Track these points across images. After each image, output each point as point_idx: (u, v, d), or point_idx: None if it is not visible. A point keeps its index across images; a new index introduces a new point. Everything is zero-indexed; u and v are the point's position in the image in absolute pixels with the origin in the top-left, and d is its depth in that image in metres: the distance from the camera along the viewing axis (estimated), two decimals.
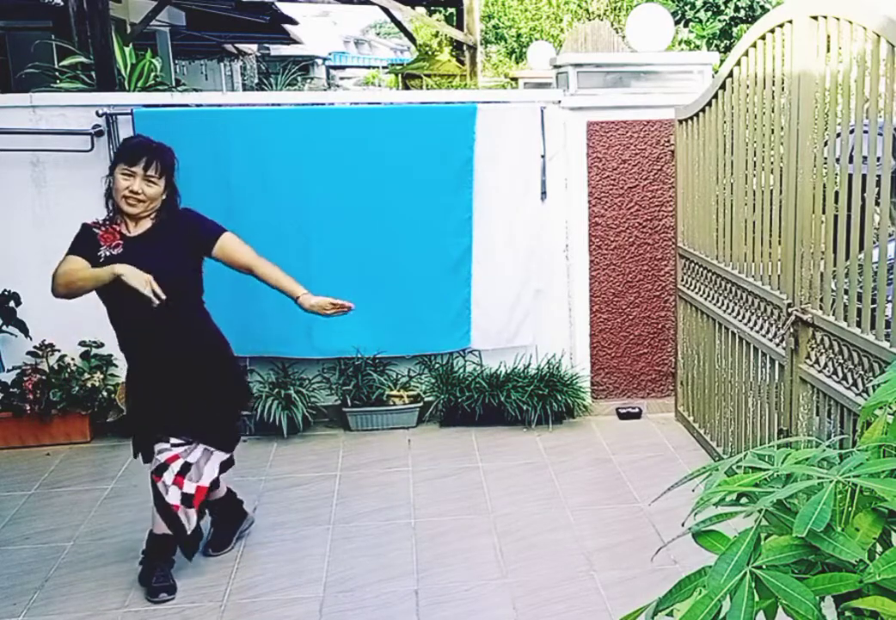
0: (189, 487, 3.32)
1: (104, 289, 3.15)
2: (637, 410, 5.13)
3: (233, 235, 3.33)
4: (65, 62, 5.35)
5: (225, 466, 3.51)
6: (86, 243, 3.22)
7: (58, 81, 5.28)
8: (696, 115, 4.50)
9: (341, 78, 27.86)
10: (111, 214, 3.30)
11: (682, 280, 4.92)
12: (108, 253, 3.18)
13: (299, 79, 11.55)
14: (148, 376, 3.33)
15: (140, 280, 3.01)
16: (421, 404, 5.01)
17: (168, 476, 3.29)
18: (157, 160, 3.20)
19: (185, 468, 3.31)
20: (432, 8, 13.77)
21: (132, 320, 3.22)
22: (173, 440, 3.30)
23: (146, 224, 3.27)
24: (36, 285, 4.79)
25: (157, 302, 3.03)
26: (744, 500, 1.46)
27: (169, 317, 3.16)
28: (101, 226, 3.26)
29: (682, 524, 1.57)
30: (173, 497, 3.30)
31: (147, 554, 3.41)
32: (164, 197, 3.26)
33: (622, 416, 5.12)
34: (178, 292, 3.17)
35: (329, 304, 3.29)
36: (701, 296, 4.58)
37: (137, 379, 3.38)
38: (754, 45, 3.78)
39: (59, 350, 4.81)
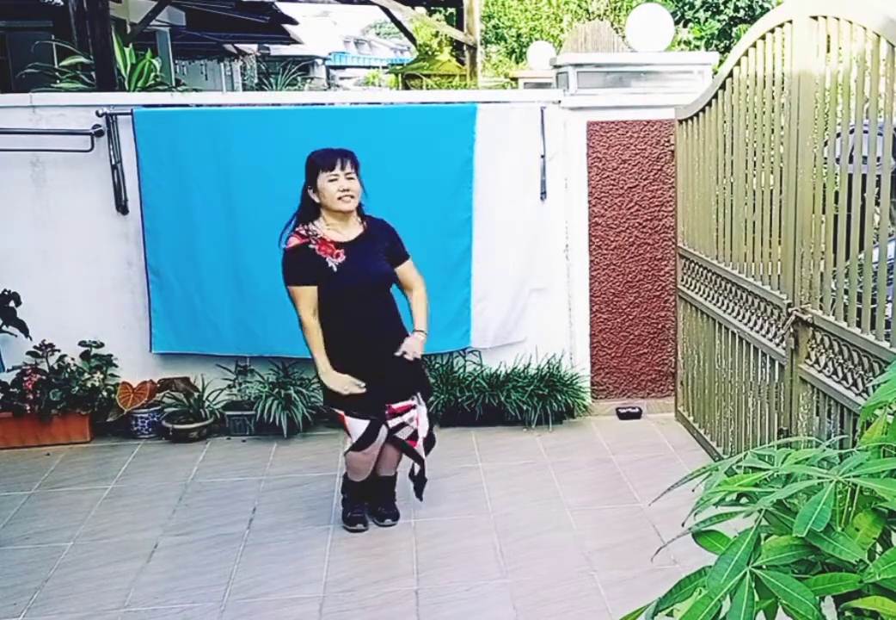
0: (423, 431, 3.83)
1: (331, 296, 3.58)
2: (637, 410, 5.13)
3: (411, 261, 3.78)
4: (65, 62, 5.35)
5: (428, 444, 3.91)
6: (307, 264, 3.55)
7: (58, 81, 5.28)
8: (696, 115, 4.50)
9: (341, 78, 27.86)
10: (304, 228, 3.60)
11: (682, 280, 4.92)
12: (336, 262, 3.56)
13: (299, 79, 11.53)
14: (367, 357, 3.63)
15: (344, 385, 3.58)
16: None
17: (407, 430, 3.76)
18: (348, 159, 3.55)
19: (414, 435, 3.80)
20: (432, 8, 13.76)
21: (357, 310, 3.58)
22: (414, 402, 3.75)
23: (356, 229, 3.65)
24: (36, 285, 4.81)
25: (359, 390, 3.59)
26: (744, 500, 1.46)
27: (381, 304, 3.65)
28: (311, 241, 3.57)
29: (682, 524, 1.57)
30: (421, 450, 3.84)
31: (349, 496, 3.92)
32: (361, 191, 3.63)
33: (622, 416, 5.12)
34: (388, 284, 3.69)
35: (409, 350, 3.68)
36: (701, 296, 4.58)
37: (359, 362, 3.64)
38: (754, 45, 3.78)
39: (59, 350, 4.81)
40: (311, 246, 3.56)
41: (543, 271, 5.03)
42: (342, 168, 3.52)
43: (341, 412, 3.70)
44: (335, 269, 3.55)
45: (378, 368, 3.65)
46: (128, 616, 3.23)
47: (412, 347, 3.67)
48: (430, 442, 3.90)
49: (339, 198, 3.52)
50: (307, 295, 3.56)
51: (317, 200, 3.57)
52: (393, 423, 3.72)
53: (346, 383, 3.58)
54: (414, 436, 3.79)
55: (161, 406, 4.90)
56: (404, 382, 3.74)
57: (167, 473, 4.44)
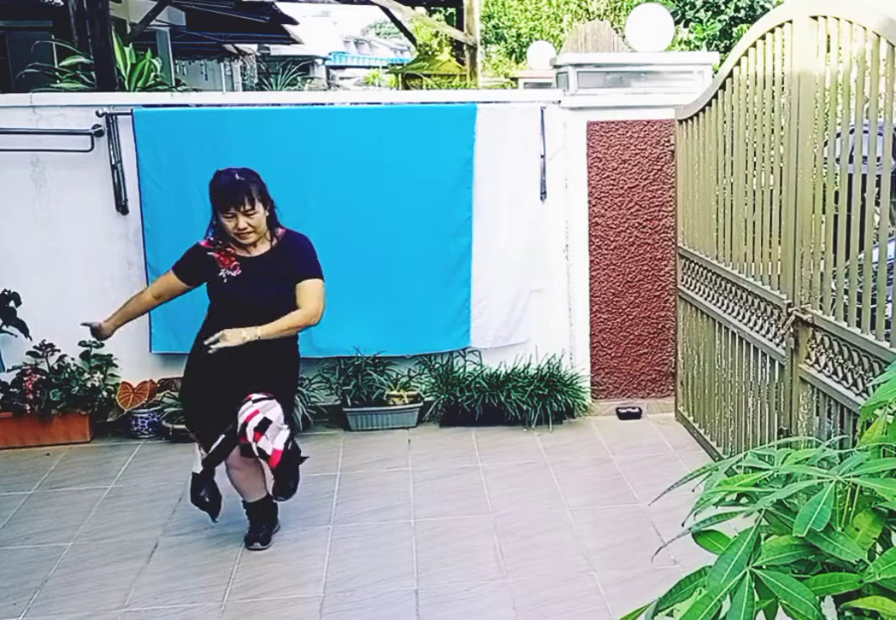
0: (265, 444, 3.41)
1: (215, 305, 3.55)
2: (637, 410, 5.13)
3: (316, 284, 3.52)
4: (65, 62, 5.36)
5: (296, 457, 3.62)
6: (197, 263, 3.56)
7: (58, 81, 5.29)
8: (696, 115, 4.50)
9: (341, 78, 27.86)
10: (217, 239, 3.55)
11: (682, 280, 4.92)
12: (229, 274, 3.51)
13: (299, 79, 11.53)
14: (218, 373, 3.50)
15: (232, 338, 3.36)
16: (421, 404, 5.01)
17: (249, 433, 3.41)
18: (245, 195, 3.40)
19: (264, 423, 3.41)
20: (432, 8, 13.76)
21: (228, 325, 3.42)
22: (254, 396, 3.45)
23: (264, 246, 3.55)
24: (36, 285, 4.81)
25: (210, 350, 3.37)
26: (744, 500, 1.46)
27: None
28: (216, 249, 3.54)
29: (682, 524, 1.57)
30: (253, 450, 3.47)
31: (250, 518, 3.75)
32: (267, 214, 3.51)
33: (622, 416, 5.12)
34: (275, 312, 3.44)
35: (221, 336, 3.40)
36: (701, 296, 4.58)
37: (205, 375, 3.58)
38: (754, 45, 3.78)
39: (59, 350, 4.81)
40: (211, 253, 3.53)
41: (543, 271, 5.03)
42: (237, 207, 3.39)
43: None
44: (225, 280, 3.50)
45: (226, 387, 3.47)
46: (128, 616, 3.23)
47: (225, 335, 3.37)
48: (289, 458, 3.50)
49: (236, 235, 3.45)
50: (165, 278, 3.65)
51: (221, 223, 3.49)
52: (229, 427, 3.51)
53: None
54: (242, 431, 3.47)
55: (161, 406, 4.89)
56: (248, 390, 3.48)
57: (167, 473, 4.44)
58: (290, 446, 3.52)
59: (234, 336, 3.35)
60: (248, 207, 3.40)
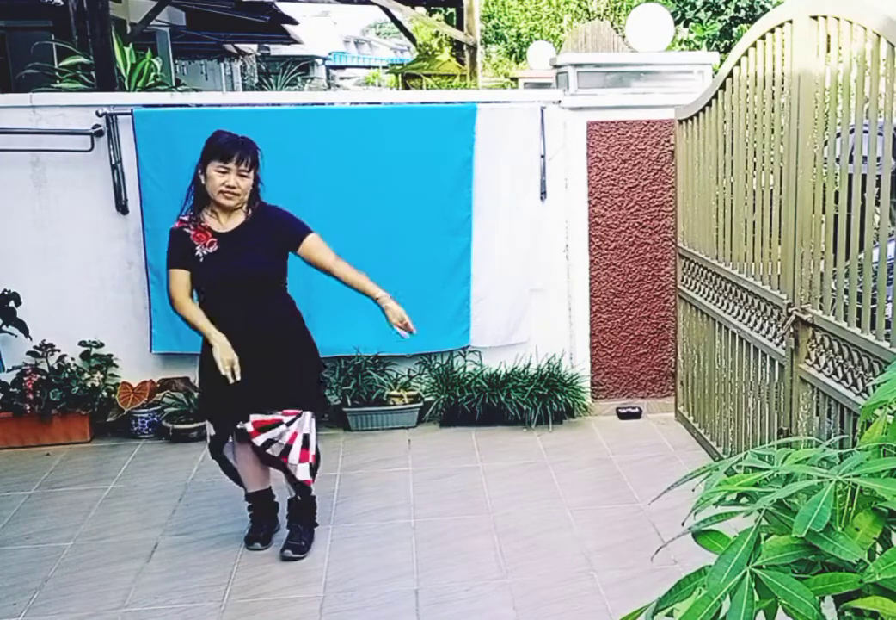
0: (312, 458, 3.58)
1: (197, 288, 3.45)
2: (637, 410, 5.13)
3: (317, 236, 3.51)
4: (65, 62, 5.36)
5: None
6: (181, 248, 3.41)
7: (58, 81, 5.29)
8: (696, 115, 4.50)
9: (341, 78, 27.87)
10: (192, 212, 3.44)
11: (682, 280, 4.92)
12: (205, 252, 3.39)
13: (299, 79, 11.56)
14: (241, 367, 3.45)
15: (226, 359, 3.29)
16: (421, 404, 5.01)
17: (294, 456, 3.50)
18: (248, 155, 3.35)
19: (306, 440, 3.53)
20: (432, 8, 13.76)
21: (223, 307, 3.42)
22: (286, 418, 3.48)
23: (238, 219, 3.44)
24: (36, 285, 4.81)
25: (231, 381, 3.31)
26: (744, 500, 1.46)
27: (255, 304, 3.41)
28: (189, 225, 3.42)
29: (682, 524, 1.57)
30: (303, 474, 3.55)
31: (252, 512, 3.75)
32: (252, 187, 3.44)
33: (622, 416, 5.12)
34: (266, 282, 3.44)
35: (401, 317, 3.50)
36: (701, 296, 4.58)
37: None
38: (754, 45, 3.78)
39: (59, 350, 4.81)
40: (186, 231, 3.40)
41: (543, 270, 5.03)
42: (237, 163, 3.30)
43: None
44: (201, 258, 3.36)
45: (241, 373, 3.36)
46: (128, 616, 3.23)
47: (399, 313, 3.45)
48: (313, 465, 3.59)
49: (221, 192, 3.32)
50: (177, 279, 3.39)
51: (203, 182, 3.37)
52: (259, 441, 3.47)
53: (230, 359, 3.29)
54: (286, 452, 3.50)
55: (161, 406, 4.90)
56: (272, 393, 3.46)
57: (167, 473, 4.44)
58: (309, 489, 3.62)
59: (400, 311, 3.50)
60: (244, 166, 3.32)
